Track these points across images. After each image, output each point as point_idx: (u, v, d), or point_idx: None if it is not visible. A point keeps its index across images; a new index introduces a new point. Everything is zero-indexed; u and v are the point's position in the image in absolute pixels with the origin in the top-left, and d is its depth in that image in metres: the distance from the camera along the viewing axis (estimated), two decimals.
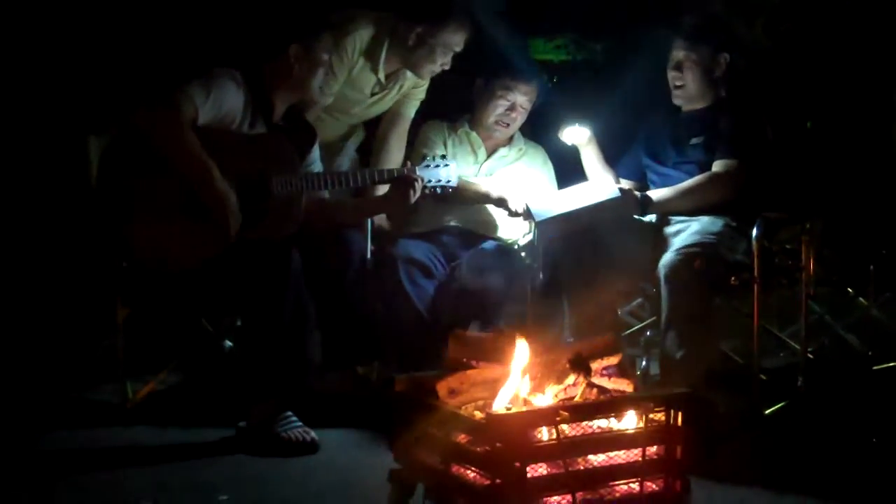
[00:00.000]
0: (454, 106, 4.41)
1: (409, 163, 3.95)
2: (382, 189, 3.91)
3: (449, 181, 3.85)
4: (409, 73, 4.11)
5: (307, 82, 3.62)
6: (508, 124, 4.29)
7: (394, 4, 4.03)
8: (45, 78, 4.50)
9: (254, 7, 4.22)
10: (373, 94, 4.12)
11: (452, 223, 4.22)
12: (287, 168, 3.56)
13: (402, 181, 3.77)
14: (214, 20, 4.51)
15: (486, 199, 4.19)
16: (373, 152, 4.26)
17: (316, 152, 3.80)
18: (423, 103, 4.28)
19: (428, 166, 3.84)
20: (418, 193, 3.77)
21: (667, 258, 3.64)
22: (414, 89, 4.22)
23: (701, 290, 3.58)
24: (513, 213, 4.10)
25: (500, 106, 4.25)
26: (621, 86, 4.60)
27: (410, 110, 4.27)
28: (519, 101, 4.25)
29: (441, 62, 4.03)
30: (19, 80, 4.49)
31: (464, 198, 4.13)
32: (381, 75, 4.04)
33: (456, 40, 4.01)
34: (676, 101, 4.04)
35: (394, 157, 4.19)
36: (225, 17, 4.46)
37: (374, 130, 4.30)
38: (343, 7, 4.02)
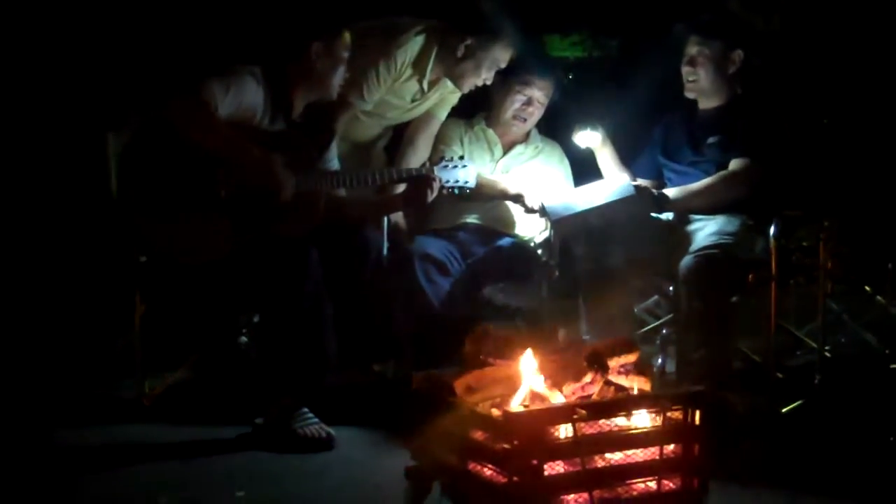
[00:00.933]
0: (471, 104, 4.41)
1: (427, 163, 3.94)
2: (401, 187, 3.91)
3: (467, 182, 3.84)
4: (448, 82, 4.10)
5: (327, 80, 3.62)
6: (525, 119, 4.29)
7: (448, 14, 4.02)
8: (64, 75, 4.51)
9: (275, 5, 4.22)
10: (413, 101, 4.12)
11: (469, 220, 4.23)
12: (307, 165, 3.57)
13: (420, 181, 3.76)
14: (235, 18, 4.52)
15: (504, 195, 4.18)
16: (399, 150, 4.25)
17: (333, 150, 3.80)
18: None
19: (446, 167, 3.82)
20: (435, 193, 3.76)
21: (685, 261, 3.63)
22: (451, 94, 4.21)
23: (718, 293, 3.57)
24: (529, 210, 4.09)
25: (518, 101, 4.25)
26: (637, 83, 4.59)
27: (443, 113, 4.27)
28: (536, 95, 4.25)
29: (485, 77, 4.02)
30: (38, 78, 4.50)
31: (481, 194, 4.13)
32: (426, 84, 4.04)
33: (504, 56, 4.01)
34: (689, 95, 4.02)
35: (420, 156, 4.19)
36: (246, 15, 4.46)
37: (402, 129, 4.29)
38: (397, 13, 4.02)
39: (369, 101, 3.95)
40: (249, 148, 3.34)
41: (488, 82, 4.05)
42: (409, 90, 4.06)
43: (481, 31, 3.95)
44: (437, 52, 3.97)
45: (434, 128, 4.26)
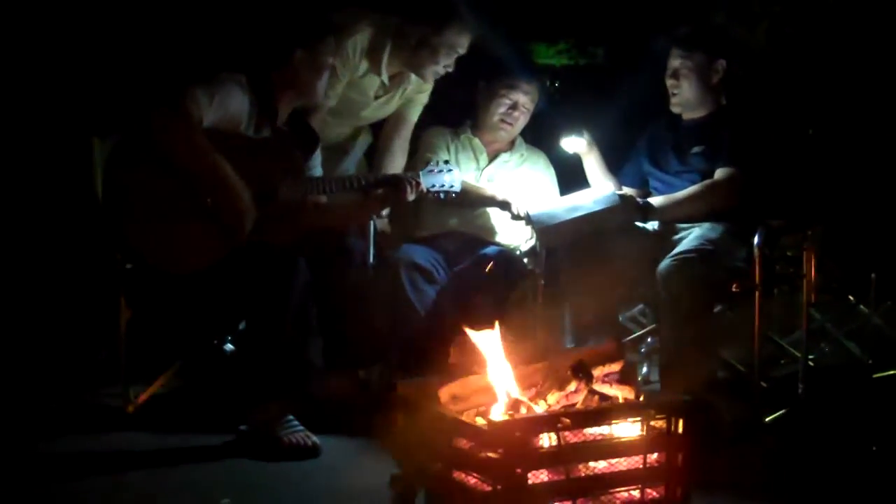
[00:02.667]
0: (457, 112, 4.42)
1: (411, 173, 3.95)
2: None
3: (452, 186, 3.86)
4: (413, 77, 4.11)
5: (312, 87, 3.62)
6: (511, 124, 4.30)
7: (397, 5, 4.02)
8: (51, 81, 4.50)
9: (258, 13, 4.22)
10: (376, 98, 4.12)
11: (455, 228, 4.23)
12: (293, 172, 3.57)
13: (399, 181, 3.78)
14: (220, 26, 4.52)
15: (491, 202, 4.19)
16: (375, 156, 4.26)
17: (317, 157, 3.81)
18: (426, 109, 4.29)
19: (431, 171, 3.84)
20: (415, 193, 3.77)
21: (663, 264, 3.65)
22: (418, 94, 4.22)
23: (696, 295, 3.58)
24: (515, 217, 4.10)
25: (503, 105, 4.27)
26: (624, 91, 4.61)
27: (413, 114, 4.27)
28: (521, 100, 4.27)
29: (444, 63, 4.02)
30: (25, 84, 4.49)
31: (467, 201, 4.14)
32: (385, 77, 4.04)
33: (460, 41, 4.00)
34: (674, 109, 4.04)
35: (397, 161, 4.19)
36: (231, 23, 4.46)
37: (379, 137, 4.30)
38: (345, 7, 4.02)
39: (332, 97, 3.95)
40: (224, 173, 3.31)
41: (450, 69, 4.04)
42: (371, 85, 4.06)
43: (430, 17, 3.94)
44: (391, 44, 3.97)
45: (407, 131, 4.26)
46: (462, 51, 4.03)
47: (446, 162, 3.92)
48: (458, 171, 3.90)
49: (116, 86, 4.40)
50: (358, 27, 3.94)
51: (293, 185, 3.52)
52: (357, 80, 4.02)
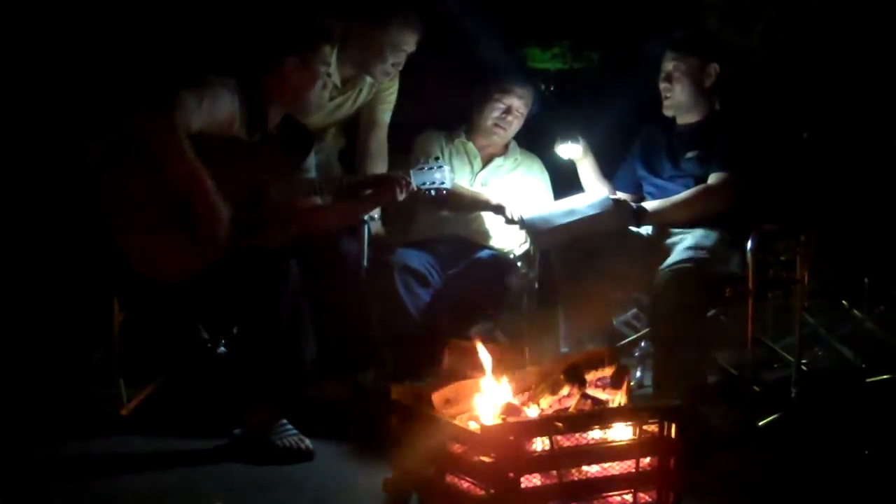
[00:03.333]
0: (452, 117, 4.42)
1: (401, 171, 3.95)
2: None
3: (443, 183, 3.86)
4: (368, 79, 4.11)
5: (303, 95, 3.60)
6: (505, 128, 4.31)
7: (339, 7, 4.02)
8: (45, 85, 4.50)
9: (251, 19, 4.22)
10: (331, 99, 4.11)
11: (449, 232, 4.24)
12: (284, 176, 3.57)
13: (389, 179, 3.79)
14: (213, 31, 4.51)
15: (485, 205, 4.20)
16: (356, 162, 4.26)
17: (312, 159, 3.80)
18: (420, 114, 4.29)
19: (422, 169, 3.84)
20: (405, 192, 3.77)
21: (659, 275, 3.64)
22: (380, 93, 4.22)
23: (690, 307, 3.57)
24: (510, 221, 4.11)
25: (497, 109, 4.28)
26: (618, 95, 4.62)
27: (384, 116, 4.27)
28: (515, 104, 4.28)
29: (392, 62, 4.03)
30: (18, 87, 4.48)
31: (462, 204, 4.15)
32: (336, 79, 4.03)
33: (405, 39, 4.02)
34: (667, 112, 4.04)
35: (377, 163, 4.19)
36: (223, 28, 4.46)
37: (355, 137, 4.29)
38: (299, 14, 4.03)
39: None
40: (202, 183, 3.27)
41: (399, 67, 4.07)
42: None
43: (370, 17, 3.97)
44: (339, 47, 3.94)
45: (381, 133, 4.26)
46: (409, 49, 4.05)
47: (437, 159, 3.92)
48: (448, 168, 3.89)
49: (111, 90, 4.40)
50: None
51: (284, 187, 3.52)
52: None
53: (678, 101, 3.99)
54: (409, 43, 4.03)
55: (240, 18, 4.37)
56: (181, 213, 3.31)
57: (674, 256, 3.69)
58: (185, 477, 3.22)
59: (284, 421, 3.41)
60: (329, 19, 3.94)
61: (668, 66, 3.99)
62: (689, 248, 3.71)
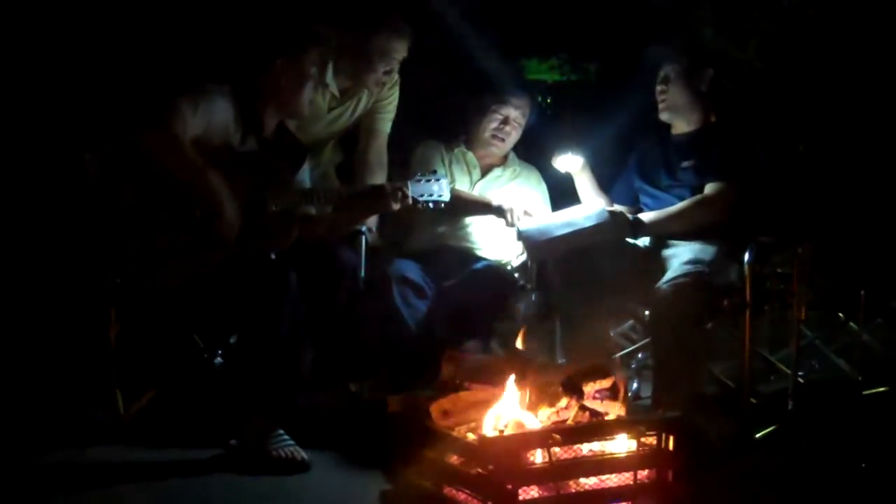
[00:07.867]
0: (451, 127, 4.43)
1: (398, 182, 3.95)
2: None
3: (441, 196, 3.85)
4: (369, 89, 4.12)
5: (295, 97, 3.62)
6: (503, 139, 4.32)
7: (329, 17, 4.02)
8: (41, 95, 4.50)
9: (241, 22, 4.23)
10: (330, 110, 4.12)
11: (446, 243, 4.24)
12: (281, 184, 3.57)
13: (383, 189, 3.78)
14: (206, 37, 4.52)
15: (486, 209, 4.20)
16: (354, 172, 4.26)
17: (305, 170, 3.81)
18: (420, 125, 4.29)
19: (419, 181, 3.83)
20: (399, 204, 3.76)
21: (657, 290, 3.64)
22: (379, 103, 4.22)
23: (689, 322, 3.58)
24: (510, 224, 4.11)
25: (495, 120, 4.29)
26: (615, 107, 4.63)
27: (383, 126, 4.27)
28: (512, 115, 4.29)
29: (383, 70, 4.04)
30: (15, 98, 4.49)
31: (462, 208, 4.15)
32: (334, 89, 4.05)
33: (393, 46, 4.02)
34: (662, 117, 4.04)
35: (375, 173, 4.18)
36: (216, 34, 4.47)
37: (354, 151, 4.29)
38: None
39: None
40: (211, 183, 3.31)
41: (393, 74, 4.08)
42: (322, 97, 4.05)
43: (357, 25, 3.97)
44: (334, 57, 3.96)
45: (380, 143, 4.25)
46: (399, 55, 4.05)
47: (434, 172, 3.92)
48: (446, 180, 3.88)
49: (106, 99, 4.40)
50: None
51: (281, 197, 3.52)
52: None
53: (673, 104, 3.99)
54: (399, 50, 4.04)
55: (232, 24, 4.38)
56: (186, 215, 3.32)
57: (673, 270, 3.69)
58: (181, 487, 3.20)
59: (281, 431, 3.40)
60: (322, 29, 3.96)
61: (664, 69, 3.99)
62: (689, 262, 3.71)
